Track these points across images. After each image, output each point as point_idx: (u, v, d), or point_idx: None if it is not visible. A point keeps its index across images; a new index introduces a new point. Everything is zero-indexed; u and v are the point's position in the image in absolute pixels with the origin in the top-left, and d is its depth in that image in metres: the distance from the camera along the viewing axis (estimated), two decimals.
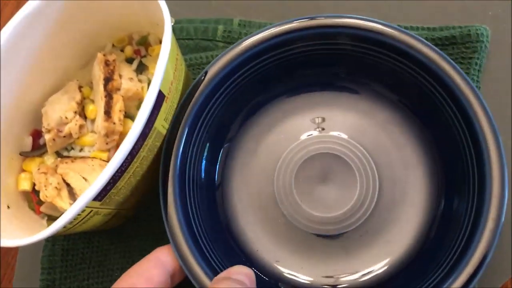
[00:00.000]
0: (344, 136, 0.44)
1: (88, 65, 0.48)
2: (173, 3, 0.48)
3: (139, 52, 0.47)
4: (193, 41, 0.51)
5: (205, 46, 0.50)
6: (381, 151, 0.44)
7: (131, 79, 0.45)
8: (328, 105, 0.45)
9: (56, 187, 0.42)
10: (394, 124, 0.44)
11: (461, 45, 0.44)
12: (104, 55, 0.45)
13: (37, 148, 0.46)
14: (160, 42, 0.47)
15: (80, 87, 0.46)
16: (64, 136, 0.44)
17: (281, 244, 0.43)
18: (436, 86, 0.40)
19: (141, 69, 0.47)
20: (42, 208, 0.44)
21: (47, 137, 0.44)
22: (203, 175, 0.44)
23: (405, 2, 0.48)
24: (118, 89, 0.44)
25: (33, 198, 0.45)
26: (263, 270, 0.43)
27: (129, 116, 0.45)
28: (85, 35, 0.46)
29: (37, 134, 0.46)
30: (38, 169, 0.44)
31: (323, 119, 0.45)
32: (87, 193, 0.36)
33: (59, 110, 0.44)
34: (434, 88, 0.40)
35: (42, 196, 0.42)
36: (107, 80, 0.44)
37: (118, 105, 0.43)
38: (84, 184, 0.42)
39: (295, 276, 0.42)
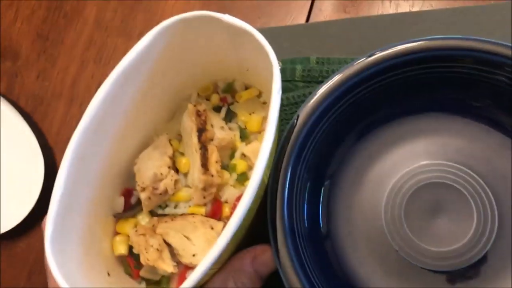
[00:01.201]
0: (453, 163, 0.42)
1: (174, 117, 0.47)
2: None
3: (226, 99, 0.46)
4: None
5: (284, 87, 0.49)
6: (498, 177, 0.41)
7: (222, 128, 0.44)
8: (432, 130, 0.43)
9: (157, 249, 0.40)
10: (508, 147, 0.42)
11: None
12: (194, 105, 0.43)
13: (130, 208, 0.44)
14: (246, 88, 0.47)
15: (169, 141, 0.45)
16: (160, 193, 0.42)
17: (395, 282, 0.41)
18: None
19: (230, 116, 0.46)
20: (141, 272, 0.42)
21: (142, 196, 0.42)
22: (306, 221, 0.42)
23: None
24: (212, 140, 0.43)
25: (129, 262, 0.42)
26: None
27: (223, 166, 0.43)
28: (173, 86, 0.45)
29: (128, 194, 0.44)
30: (136, 230, 0.42)
31: (430, 147, 0.43)
32: (209, 256, 0.33)
33: (152, 167, 0.42)
34: None
35: (143, 260, 0.40)
36: (201, 131, 0.42)
37: (214, 156, 0.42)
38: (187, 244, 0.41)
39: None
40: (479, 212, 0.41)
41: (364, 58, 0.41)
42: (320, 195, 0.44)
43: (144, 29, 0.56)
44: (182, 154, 0.44)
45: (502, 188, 0.41)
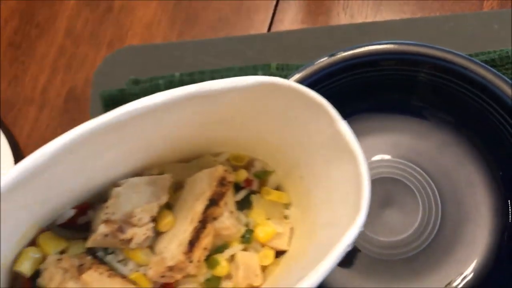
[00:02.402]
0: (402, 160, 0.45)
1: (188, 162, 0.38)
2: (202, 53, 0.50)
3: (251, 183, 0.38)
4: None
5: None
6: (441, 172, 0.45)
7: (231, 213, 0.36)
8: (383, 129, 0.46)
9: None
10: (453, 145, 0.45)
11: (501, 67, 0.46)
12: (225, 170, 0.36)
13: (71, 227, 0.35)
14: (278, 188, 0.39)
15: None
16: (122, 240, 0.33)
17: (347, 270, 0.43)
18: (494, 105, 0.41)
19: (244, 205, 0.38)
20: None
21: (101, 228, 0.33)
22: None
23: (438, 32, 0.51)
24: (215, 219, 0.35)
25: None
26: None
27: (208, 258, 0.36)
28: (207, 136, 0.37)
29: (82, 210, 0.35)
30: (59, 259, 0.33)
31: (381, 144, 0.46)
32: None
33: (135, 202, 0.34)
34: (492, 108, 0.41)
35: None
36: (212, 202, 0.34)
37: (206, 240, 0.34)
38: None
39: None
40: (424, 205, 0.44)
41: (317, 61, 0.44)
42: None
43: (113, 39, 0.59)
44: (170, 209, 0.36)
45: (445, 183, 0.44)
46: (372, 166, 0.45)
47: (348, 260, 0.43)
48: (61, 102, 0.57)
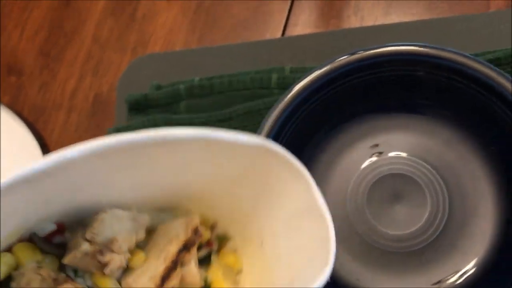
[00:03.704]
0: (411, 156, 0.47)
1: (162, 213, 0.39)
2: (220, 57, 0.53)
3: (211, 244, 0.40)
4: (249, 91, 0.55)
5: (261, 93, 0.54)
6: (447, 168, 0.46)
7: (196, 266, 0.37)
8: (392, 127, 0.48)
9: None
10: (457, 141, 0.47)
11: (506, 65, 0.47)
12: (201, 223, 0.38)
13: (46, 242, 0.35)
14: (235, 251, 0.40)
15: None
16: (99, 262, 0.34)
17: (359, 263, 0.46)
18: (495, 100, 0.43)
19: (203, 262, 0.39)
20: None
21: (84, 246, 0.34)
22: None
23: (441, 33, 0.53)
24: (183, 266, 0.37)
25: None
26: None
27: None
28: (186, 191, 0.37)
29: (59, 230, 0.36)
30: (38, 267, 0.34)
31: (387, 142, 0.48)
32: None
33: (117, 231, 0.35)
34: (493, 103, 0.43)
35: None
36: (185, 247, 0.36)
37: (175, 281, 0.35)
38: None
39: None
40: (432, 199, 0.46)
41: (338, 58, 0.45)
42: None
43: (137, 45, 0.62)
44: (142, 248, 0.37)
45: (451, 178, 0.46)
46: (382, 163, 0.47)
47: (360, 253, 0.46)
48: (88, 106, 0.61)
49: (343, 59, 0.44)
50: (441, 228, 0.45)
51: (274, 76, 0.54)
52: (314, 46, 0.55)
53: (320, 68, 0.45)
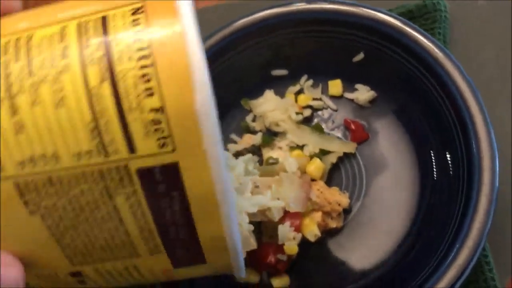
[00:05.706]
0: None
1: None
2: None
3: None
4: None
5: None
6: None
7: None
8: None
9: None
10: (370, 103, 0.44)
11: (420, 17, 0.44)
12: None
13: None
14: None
15: None
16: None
17: None
18: (409, 57, 0.40)
19: None
20: None
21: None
22: None
23: None
24: None
25: None
26: None
27: None
28: None
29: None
30: None
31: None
32: None
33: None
34: (407, 61, 0.40)
35: None
36: None
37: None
38: None
39: None
40: (346, 172, 0.42)
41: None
42: None
43: None
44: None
45: (367, 146, 0.43)
46: None
47: None
48: None
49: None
50: (359, 204, 0.41)
51: None
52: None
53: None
